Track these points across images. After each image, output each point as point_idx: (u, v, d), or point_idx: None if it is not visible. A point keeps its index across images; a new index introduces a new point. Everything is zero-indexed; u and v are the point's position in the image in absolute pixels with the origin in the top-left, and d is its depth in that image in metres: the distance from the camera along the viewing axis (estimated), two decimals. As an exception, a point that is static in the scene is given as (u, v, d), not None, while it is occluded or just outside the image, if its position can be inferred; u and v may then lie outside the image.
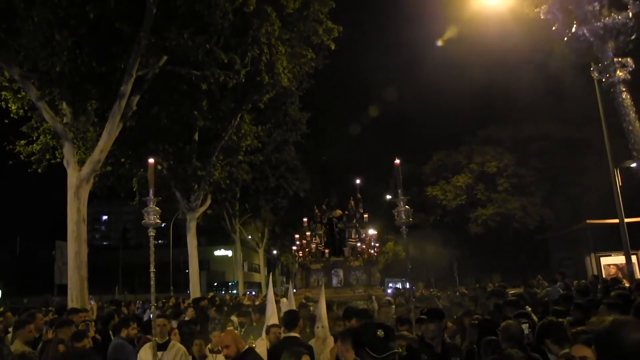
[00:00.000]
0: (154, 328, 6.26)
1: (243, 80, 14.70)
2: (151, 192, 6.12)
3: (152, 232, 6.14)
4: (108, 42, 13.54)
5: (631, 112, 1.77)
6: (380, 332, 2.92)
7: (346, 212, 23.62)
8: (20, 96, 15.09)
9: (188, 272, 23.14)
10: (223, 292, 55.41)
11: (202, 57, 13.81)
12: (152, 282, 6.16)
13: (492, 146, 37.29)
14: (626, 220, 16.37)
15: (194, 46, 13.53)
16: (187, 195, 21.35)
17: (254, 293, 41.44)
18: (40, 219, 75.11)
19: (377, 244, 23.75)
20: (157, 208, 6.14)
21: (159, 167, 19.44)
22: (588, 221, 22.78)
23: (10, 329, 7.78)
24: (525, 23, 13.64)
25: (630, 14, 1.74)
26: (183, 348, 6.79)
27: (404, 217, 6.63)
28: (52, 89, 13.58)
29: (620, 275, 18.33)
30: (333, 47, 17.98)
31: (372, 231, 23.74)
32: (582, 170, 27.62)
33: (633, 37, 1.77)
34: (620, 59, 1.78)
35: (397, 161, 6.83)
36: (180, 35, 13.40)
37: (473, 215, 36.12)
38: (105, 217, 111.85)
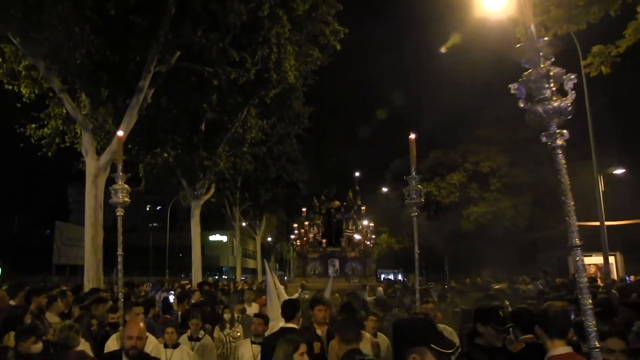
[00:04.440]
0: (131, 320, 5.55)
1: (253, 77, 15.47)
2: (119, 168, 5.65)
3: (120, 212, 5.63)
4: (121, 33, 14.14)
5: (564, 172, 2.51)
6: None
7: (344, 204, 24.32)
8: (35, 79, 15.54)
9: (182, 255, 23.76)
10: (217, 277, 56.24)
11: (216, 55, 14.54)
12: (120, 266, 5.66)
13: (486, 146, 38.22)
14: (606, 223, 17.36)
15: (208, 44, 14.27)
16: (192, 184, 22.12)
17: (248, 277, 42.30)
18: (38, 199, 75.45)
19: (373, 236, 24.53)
20: (127, 186, 5.66)
21: (165, 155, 20.14)
22: (571, 223, 23.62)
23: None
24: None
25: (570, 101, 2.51)
26: (155, 340, 6.25)
27: (415, 197, 6.02)
28: (73, 79, 14.24)
29: (598, 274, 19.20)
30: (339, 48, 18.65)
31: (366, 223, 24.43)
32: (571, 174, 28.62)
33: (569, 116, 2.52)
34: (560, 131, 2.48)
35: (412, 136, 6.10)
36: (195, 33, 14.14)
37: (465, 213, 37.08)
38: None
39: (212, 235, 70.64)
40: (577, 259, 2.43)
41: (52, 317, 7.62)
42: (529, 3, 2.58)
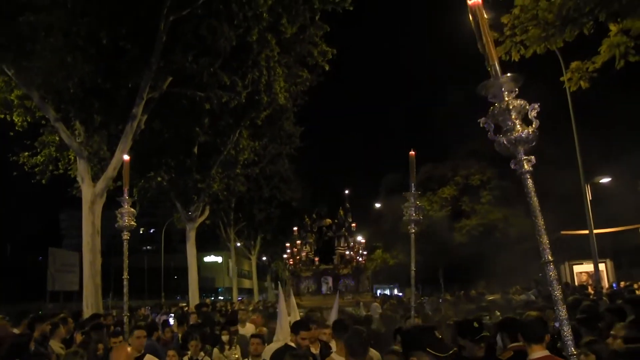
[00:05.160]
0: (133, 341, 6.00)
1: (244, 100, 15.73)
2: (125, 191, 5.72)
3: (126, 235, 5.70)
4: (113, 60, 14.37)
5: (533, 195, 2.68)
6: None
7: (335, 221, 24.44)
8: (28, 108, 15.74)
9: (177, 277, 23.77)
10: (213, 298, 56.04)
11: (207, 79, 14.81)
12: (125, 290, 5.76)
13: (476, 159, 38.56)
14: (595, 231, 17.67)
15: (198, 69, 14.55)
16: (186, 206, 22.31)
17: (244, 297, 42.24)
18: (30, 226, 75.09)
19: (365, 252, 24.63)
20: (132, 209, 5.74)
21: (159, 179, 20.32)
22: (562, 232, 23.98)
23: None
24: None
25: (532, 130, 2.76)
26: None
27: (414, 214, 5.94)
28: (67, 107, 14.45)
29: (589, 282, 19.42)
30: (327, 68, 18.86)
31: (360, 239, 24.52)
32: (559, 184, 29.00)
33: (534, 143, 2.77)
34: (527, 157, 2.57)
35: (412, 152, 6.06)
36: (185, 58, 14.41)
37: (458, 226, 37.36)
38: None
39: (207, 256, 70.49)
40: (550, 273, 2.64)
41: (55, 344, 7.78)
42: (491, 42, 2.84)
